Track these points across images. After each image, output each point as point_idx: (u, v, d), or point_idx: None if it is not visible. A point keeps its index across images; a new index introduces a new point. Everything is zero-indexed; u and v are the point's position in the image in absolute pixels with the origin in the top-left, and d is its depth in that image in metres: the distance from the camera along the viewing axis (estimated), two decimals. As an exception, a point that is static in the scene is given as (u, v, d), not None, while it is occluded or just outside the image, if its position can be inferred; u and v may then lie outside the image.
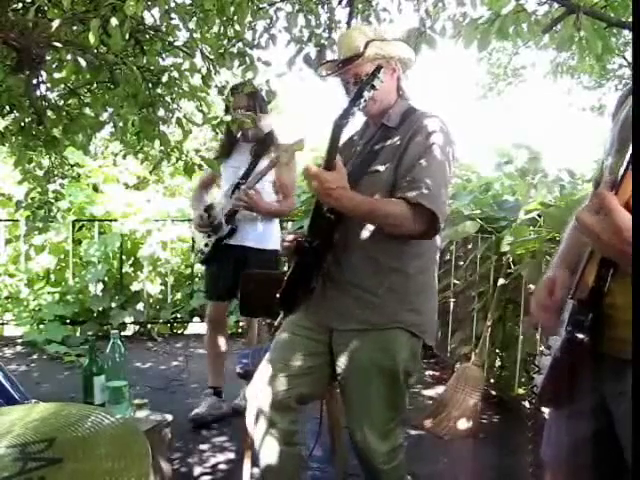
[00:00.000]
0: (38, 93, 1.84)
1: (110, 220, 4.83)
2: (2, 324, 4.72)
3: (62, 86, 1.87)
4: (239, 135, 2.84)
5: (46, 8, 1.56)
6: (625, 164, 0.86)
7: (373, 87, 1.54)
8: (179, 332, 4.93)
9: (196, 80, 1.82)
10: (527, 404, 3.06)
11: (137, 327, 4.79)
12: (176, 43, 1.76)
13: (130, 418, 1.79)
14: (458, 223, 3.28)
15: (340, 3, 3.16)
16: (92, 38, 1.41)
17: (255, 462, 2.36)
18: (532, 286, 2.93)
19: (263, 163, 2.88)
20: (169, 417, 1.89)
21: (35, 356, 4.18)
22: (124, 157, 2.14)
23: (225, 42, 2.00)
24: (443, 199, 1.64)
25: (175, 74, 1.73)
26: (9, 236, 4.83)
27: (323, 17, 3.06)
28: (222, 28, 2.02)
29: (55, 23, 1.47)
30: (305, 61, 3.03)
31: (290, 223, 4.72)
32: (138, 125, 1.82)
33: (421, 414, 3.01)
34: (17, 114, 1.93)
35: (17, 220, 4.54)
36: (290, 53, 3.03)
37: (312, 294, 1.72)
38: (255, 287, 2.60)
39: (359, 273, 1.68)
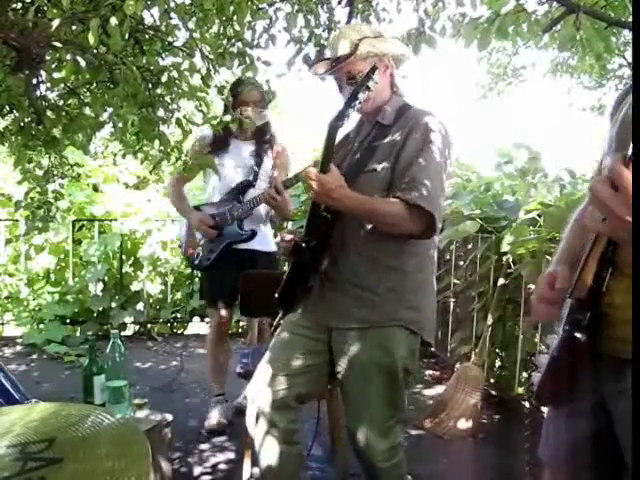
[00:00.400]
0: (38, 93, 1.84)
1: (110, 220, 4.83)
2: (2, 324, 4.72)
3: (62, 86, 1.87)
4: (235, 131, 2.70)
5: (46, 8, 1.56)
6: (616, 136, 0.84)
7: (368, 88, 1.54)
8: (179, 332, 4.93)
9: (196, 80, 1.81)
10: (527, 404, 3.06)
11: (137, 327, 4.80)
12: (176, 43, 1.76)
13: (130, 418, 1.79)
14: (458, 223, 3.28)
15: (340, 3, 3.16)
16: (92, 38, 1.41)
17: (255, 462, 2.36)
18: (532, 286, 2.93)
19: (267, 163, 2.86)
20: (169, 417, 1.89)
21: (35, 356, 4.18)
22: (123, 157, 2.13)
23: (225, 42, 2.00)
24: (440, 200, 1.64)
25: (175, 74, 1.73)
26: (9, 236, 4.83)
27: (323, 17, 3.05)
28: (222, 28, 2.02)
29: (55, 23, 1.47)
30: (305, 61, 3.02)
31: (290, 223, 4.73)
32: (138, 125, 1.82)
33: (421, 414, 3.01)
34: (17, 114, 1.92)
35: (17, 220, 4.54)
36: (290, 53, 3.02)
37: (310, 293, 1.73)
38: (255, 287, 2.61)
39: (357, 272, 1.68)
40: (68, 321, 4.57)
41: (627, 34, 5.57)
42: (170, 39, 1.74)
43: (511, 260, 3.10)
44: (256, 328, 3.15)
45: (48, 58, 1.70)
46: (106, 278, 4.73)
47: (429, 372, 3.88)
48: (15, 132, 1.94)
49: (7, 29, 1.55)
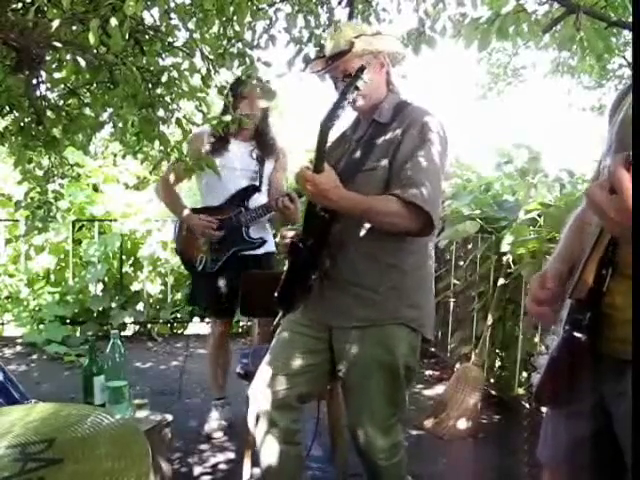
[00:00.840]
0: (38, 93, 1.84)
1: (110, 220, 4.83)
2: (2, 324, 4.72)
3: (62, 86, 1.87)
4: (234, 131, 2.50)
5: (46, 8, 1.56)
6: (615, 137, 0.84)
7: (357, 88, 1.54)
8: (179, 332, 4.93)
9: (196, 80, 1.81)
10: (527, 404, 3.06)
11: (137, 327, 4.80)
12: (176, 43, 1.76)
13: (130, 418, 1.79)
14: (458, 223, 3.28)
15: (340, 3, 3.16)
16: (92, 38, 1.41)
17: (255, 462, 2.36)
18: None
19: (269, 166, 2.80)
20: (169, 417, 1.89)
21: (35, 356, 4.18)
22: (123, 157, 2.13)
23: (225, 42, 2.00)
24: (437, 199, 1.64)
25: (175, 74, 1.73)
26: (9, 236, 4.83)
27: (323, 17, 3.05)
28: (222, 28, 2.01)
29: (55, 23, 1.47)
30: (305, 61, 3.02)
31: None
32: (138, 125, 1.82)
33: (421, 414, 3.01)
34: (17, 114, 1.92)
35: (17, 220, 4.54)
36: (290, 54, 3.02)
37: (310, 293, 1.72)
38: (255, 287, 2.60)
39: (357, 271, 1.68)
40: (68, 321, 4.57)
41: (627, 34, 5.58)
42: (170, 39, 1.74)
43: (511, 260, 3.10)
44: (256, 328, 3.15)
45: (48, 58, 1.70)
46: (106, 278, 4.73)
47: (429, 372, 3.88)
48: (15, 132, 1.94)
49: (7, 29, 1.55)
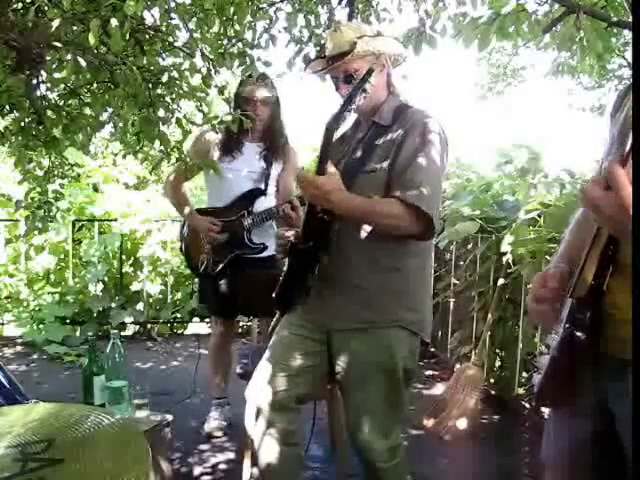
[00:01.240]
0: (38, 93, 1.84)
1: (110, 220, 4.83)
2: (2, 324, 4.72)
3: (62, 86, 1.87)
4: (243, 133, 2.45)
5: (46, 8, 1.56)
6: (631, 141, 0.84)
7: (364, 91, 1.54)
8: (179, 332, 4.93)
9: (196, 80, 1.81)
10: (527, 404, 3.06)
11: (137, 327, 4.80)
12: (176, 43, 1.76)
13: (130, 418, 1.79)
14: (458, 223, 3.28)
15: (340, 3, 3.16)
16: (92, 38, 1.41)
17: (255, 462, 2.37)
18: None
19: (277, 167, 2.76)
20: (169, 417, 1.89)
21: (35, 356, 4.18)
22: (124, 157, 2.14)
23: (225, 42, 2.00)
24: (438, 202, 1.65)
25: (175, 74, 1.73)
26: (9, 236, 4.83)
27: (323, 17, 3.05)
28: (222, 28, 2.01)
29: (55, 23, 1.47)
30: (305, 61, 3.02)
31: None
32: (138, 125, 1.82)
33: (421, 414, 3.01)
34: (17, 114, 1.92)
35: (17, 220, 4.54)
36: (290, 53, 3.02)
37: (308, 294, 1.72)
38: (255, 287, 2.60)
39: (357, 273, 1.68)
40: (68, 321, 4.57)
41: (627, 34, 5.57)
42: (170, 39, 1.75)
43: (511, 260, 3.10)
44: (256, 328, 3.15)
45: (48, 58, 1.70)
46: (106, 278, 4.73)
47: (429, 372, 3.88)
48: (15, 132, 1.94)
49: (7, 29, 1.55)
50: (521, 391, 3.17)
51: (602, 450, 1.07)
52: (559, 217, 2.72)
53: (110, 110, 1.91)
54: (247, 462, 2.30)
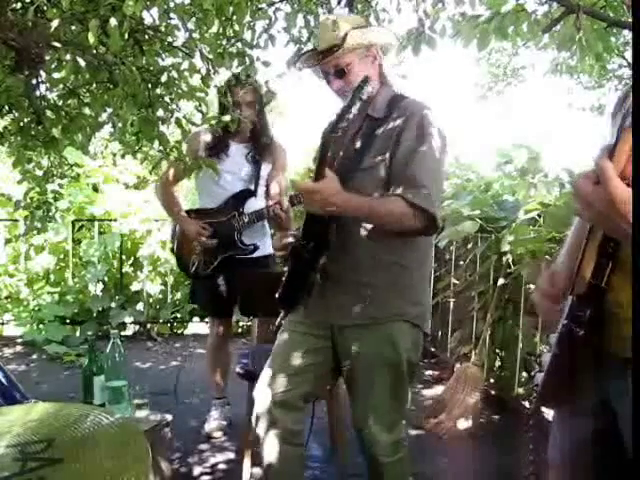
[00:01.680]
0: (37, 93, 1.84)
1: (110, 220, 4.83)
2: (2, 324, 4.72)
3: (61, 86, 1.87)
4: (229, 133, 2.54)
5: (45, 8, 1.56)
6: (617, 133, 0.85)
7: (361, 99, 1.53)
8: (179, 332, 4.93)
9: (195, 80, 1.81)
10: (527, 404, 3.06)
11: (137, 327, 4.80)
12: (175, 43, 1.76)
13: (130, 418, 1.79)
14: (458, 223, 3.28)
15: (339, 3, 3.17)
16: (91, 38, 1.41)
17: (255, 462, 2.37)
18: (532, 286, 2.92)
19: (266, 167, 2.77)
20: (169, 417, 1.89)
21: (35, 356, 4.18)
22: (123, 157, 2.14)
23: (224, 42, 2.00)
24: (440, 197, 1.64)
25: (174, 74, 1.73)
26: (9, 236, 4.83)
27: (322, 17, 3.05)
28: (221, 28, 2.02)
29: (54, 23, 1.47)
30: (296, 55, 3.01)
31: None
32: (137, 125, 1.82)
33: (421, 414, 3.01)
34: (16, 114, 1.93)
35: (17, 220, 4.54)
36: (289, 53, 3.02)
37: (311, 293, 1.72)
38: (254, 287, 2.60)
39: (359, 269, 1.68)
40: (68, 321, 4.57)
41: (627, 34, 5.57)
42: (170, 39, 1.75)
43: (511, 260, 3.10)
44: (256, 328, 3.14)
45: (48, 58, 1.70)
46: (106, 278, 4.73)
47: (429, 372, 3.88)
48: (15, 132, 1.94)
49: (7, 29, 1.55)
50: (521, 391, 3.17)
51: (606, 449, 1.07)
52: (559, 217, 2.72)
53: (109, 110, 1.91)
54: (247, 462, 2.30)
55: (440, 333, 4.00)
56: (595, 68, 8.58)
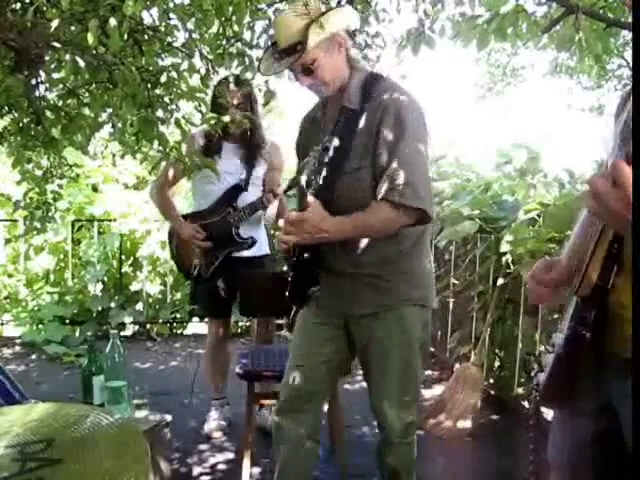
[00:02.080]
0: (37, 93, 1.84)
1: (109, 220, 4.82)
2: (1, 324, 4.72)
3: (61, 86, 1.87)
4: (223, 136, 2.56)
5: (45, 8, 1.56)
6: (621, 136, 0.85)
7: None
8: (178, 332, 4.93)
9: (195, 80, 1.82)
10: (527, 404, 3.06)
11: (136, 327, 4.79)
12: (175, 43, 1.76)
13: (129, 418, 1.79)
14: (457, 223, 3.28)
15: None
16: (91, 38, 1.41)
17: (254, 462, 2.37)
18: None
19: (259, 166, 2.78)
20: (168, 417, 1.89)
21: (34, 356, 4.17)
22: (122, 157, 2.14)
23: (224, 42, 2.00)
24: (428, 188, 1.63)
25: (174, 74, 1.73)
26: (8, 236, 4.83)
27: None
28: (221, 28, 2.02)
29: (54, 23, 1.47)
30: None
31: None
32: (137, 125, 1.82)
33: (421, 414, 3.01)
34: (16, 114, 1.93)
35: (16, 220, 4.54)
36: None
37: (319, 288, 1.73)
38: (254, 287, 2.61)
39: (361, 262, 1.70)
40: (67, 321, 4.56)
41: (626, 34, 5.58)
42: (169, 39, 1.75)
43: (510, 260, 3.10)
44: (256, 328, 3.14)
45: (47, 58, 1.70)
46: (105, 278, 4.73)
47: (428, 372, 3.88)
48: (14, 132, 1.94)
49: (6, 29, 1.55)
50: (520, 391, 3.17)
51: (608, 449, 1.07)
52: (558, 217, 2.72)
53: (109, 110, 1.91)
54: (247, 462, 2.30)
55: (440, 333, 4.00)
56: (594, 68, 8.59)
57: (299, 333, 1.85)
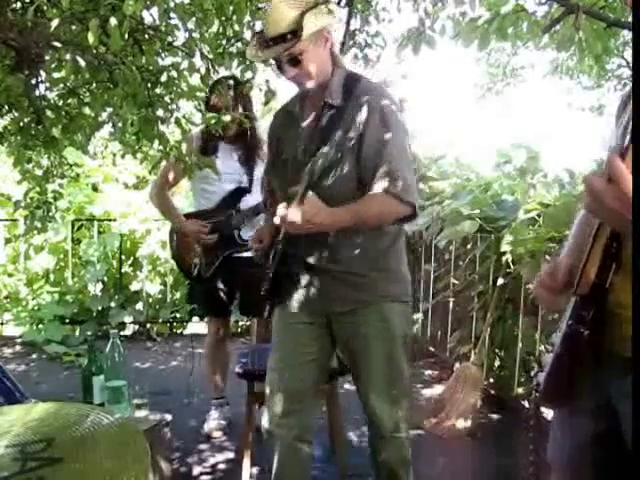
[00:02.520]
0: (37, 93, 1.84)
1: (109, 220, 4.83)
2: (1, 324, 4.72)
3: (61, 86, 1.87)
4: (218, 136, 2.53)
5: (45, 8, 1.56)
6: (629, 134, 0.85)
7: None
8: (178, 332, 4.93)
9: (195, 80, 1.82)
10: (527, 404, 3.06)
11: (136, 327, 4.79)
12: (175, 43, 1.76)
13: (129, 418, 1.79)
14: (457, 223, 3.28)
15: (339, 3, 3.16)
16: (91, 38, 1.41)
17: (254, 462, 2.37)
18: (531, 286, 2.92)
19: (259, 169, 2.72)
20: (168, 417, 1.89)
21: (34, 356, 4.18)
22: (123, 157, 2.14)
23: (224, 42, 2.00)
24: (415, 185, 1.68)
25: (174, 74, 1.73)
26: (8, 236, 4.83)
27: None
28: (221, 28, 2.01)
29: (54, 23, 1.47)
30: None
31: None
32: (137, 125, 1.82)
33: (421, 414, 3.01)
34: (16, 114, 1.93)
35: (16, 220, 4.54)
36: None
37: (298, 286, 1.75)
38: (254, 287, 2.60)
39: (340, 260, 1.71)
40: (67, 321, 4.56)
41: (626, 34, 5.58)
42: (169, 39, 1.75)
43: (510, 260, 3.10)
44: (255, 328, 3.14)
45: (47, 58, 1.70)
46: (105, 278, 4.73)
47: (428, 372, 3.88)
48: (14, 132, 1.94)
49: (6, 29, 1.55)
50: (520, 391, 3.17)
51: (608, 449, 1.07)
52: (558, 217, 2.72)
53: (109, 110, 1.91)
54: (247, 462, 2.30)
55: (440, 333, 4.00)
56: (594, 68, 8.59)
57: (280, 334, 1.84)
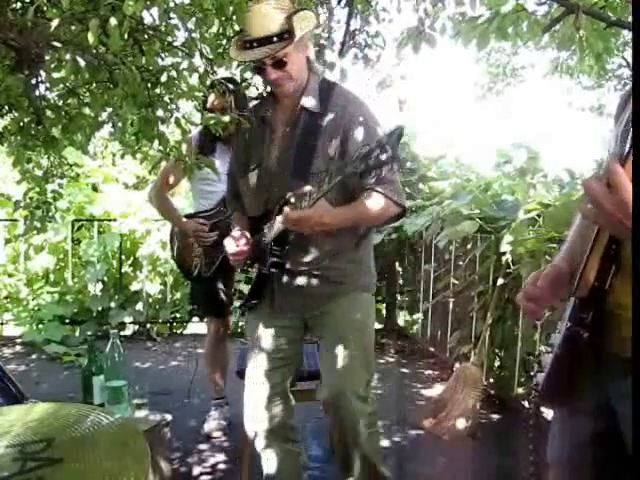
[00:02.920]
0: (37, 93, 1.84)
1: (109, 220, 4.83)
2: (1, 324, 4.72)
3: (61, 86, 1.86)
4: (215, 138, 2.52)
5: (45, 8, 1.56)
6: (630, 140, 0.85)
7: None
8: (178, 332, 4.93)
9: (195, 80, 1.81)
10: (527, 404, 3.06)
11: (136, 327, 4.79)
12: (175, 43, 1.76)
13: (129, 418, 1.79)
14: (457, 223, 3.28)
15: (339, 3, 3.17)
16: (91, 38, 1.41)
17: (254, 462, 2.36)
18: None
19: None
20: (168, 417, 1.89)
21: (34, 356, 4.18)
22: (123, 157, 2.14)
23: (224, 42, 2.00)
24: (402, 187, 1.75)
25: (174, 74, 1.73)
26: (8, 236, 4.83)
27: (322, 17, 3.05)
28: (221, 28, 2.01)
29: (54, 23, 1.47)
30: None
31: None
32: (137, 125, 1.82)
33: (421, 414, 3.01)
34: (16, 114, 1.92)
35: (16, 220, 4.54)
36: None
37: (269, 284, 1.78)
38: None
39: (317, 257, 1.74)
40: (67, 321, 4.56)
41: (626, 34, 5.57)
42: (169, 39, 1.74)
43: (510, 260, 3.10)
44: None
45: (47, 58, 1.70)
46: (105, 278, 4.73)
47: (428, 372, 3.88)
48: (14, 132, 1.94)
49: (6, 29, 1.55)
50: (520, 391, 3.17)
51: (607, 449, 1.07)
52: (558, 217, 2.72)
53: (109, 110, 1.91)
54: (246, 462, 2.30)
55: (439, 333, 4.00)
56: (594, 68, 8.59)
57: (257, 337, 1.85)
